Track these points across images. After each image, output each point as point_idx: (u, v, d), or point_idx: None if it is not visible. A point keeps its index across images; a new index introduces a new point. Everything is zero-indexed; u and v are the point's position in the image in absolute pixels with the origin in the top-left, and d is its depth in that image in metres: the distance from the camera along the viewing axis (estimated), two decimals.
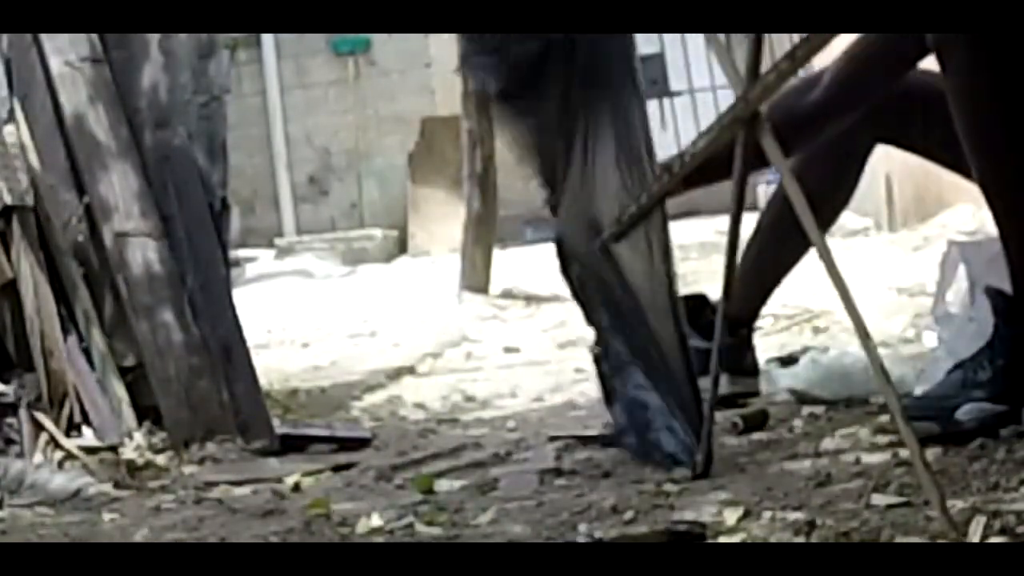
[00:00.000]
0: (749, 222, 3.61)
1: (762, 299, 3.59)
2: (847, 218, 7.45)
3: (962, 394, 2.74)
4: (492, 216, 7.62)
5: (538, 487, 2.86)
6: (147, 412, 3.62)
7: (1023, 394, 2.73)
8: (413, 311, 6.97)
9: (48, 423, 3.49)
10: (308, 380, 5.09)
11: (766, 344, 4.33)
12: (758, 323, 3.68)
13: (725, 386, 3.51)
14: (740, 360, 3.54)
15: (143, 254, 3.73)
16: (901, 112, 3.30)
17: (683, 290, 3.11)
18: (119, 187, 3.76)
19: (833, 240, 6.87)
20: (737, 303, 3.56)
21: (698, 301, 3.60)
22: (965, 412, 2.71)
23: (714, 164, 2.86)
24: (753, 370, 3.57)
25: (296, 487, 3.17)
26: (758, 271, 3.54)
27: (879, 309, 4.90)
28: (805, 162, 3.40)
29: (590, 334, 3.28)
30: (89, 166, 3.76)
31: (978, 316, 2.96)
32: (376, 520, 2.66)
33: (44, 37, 3.79)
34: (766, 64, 2.56)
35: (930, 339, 3.38)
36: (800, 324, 5.06)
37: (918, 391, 3.01)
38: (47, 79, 3.80)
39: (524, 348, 5.58)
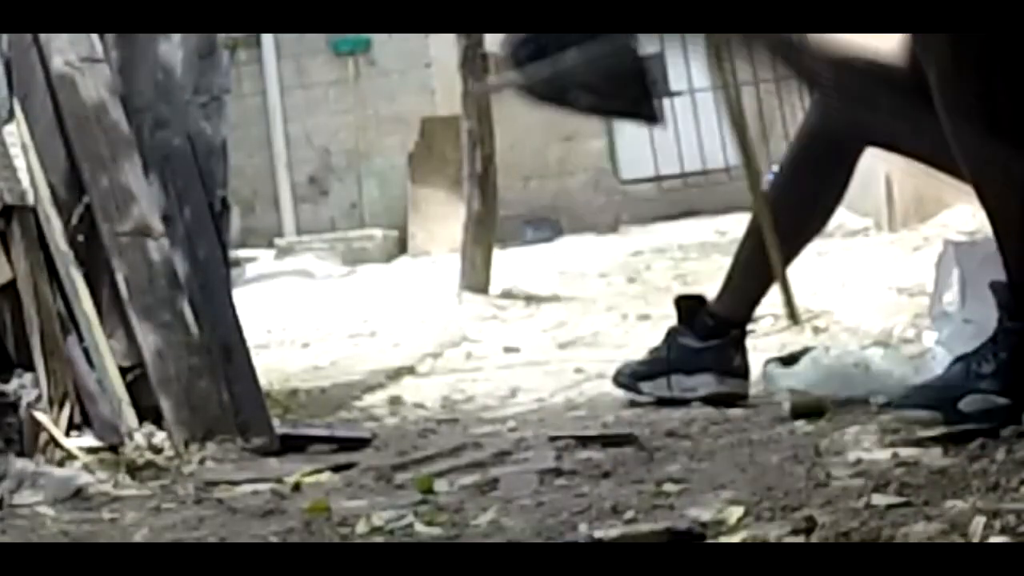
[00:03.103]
0: (745, 222, 3.61)
1: (755, 300, 3.57)
2: (847, 218, 7.45)
3: (965, 385, 2.73)
4: (492, 216, 7.61)
5: (538, 487, 2.86)
6: (147, 412, 3.62)
7: None
8: (413, 311, 6.96)
9: (48, 423, 3.49)
10: (308, 380, 5.08)
11: (766, 344, 4.33)
12: (755, 323, 3.67)
13: (712, 386, 3.51)
14: (729, 361, 3.52)
15: (143, 254, 3.72)
16: (891, 114, 3.30)
17: (681, 290, 3.10)
18: (119, 187, 3.76)
19: (833, 240, 6.89)
20: (729, 303, 3.55)
21: (694, 301, 3.60)
22: (969, 403, 2.71)
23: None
24: (743, 372, 3.55)
25: (296, 487, 3.16)
26: (752, 272, 3.52)
27: (879, 309, 4.89)
28: (795, 166, 3.40)
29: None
30: (89, 166, 3.76)
31: (974, 317, 2.95)
32: (376, 520, 2.66)
33: (44, 37, 3.79)
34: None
35: (930, 339, 3.38)
36: (800, 324, 5.05)
37: (918, 380, 3.00)
38: (47, 79, 3.79)
39: (524, 348, 5.57)
